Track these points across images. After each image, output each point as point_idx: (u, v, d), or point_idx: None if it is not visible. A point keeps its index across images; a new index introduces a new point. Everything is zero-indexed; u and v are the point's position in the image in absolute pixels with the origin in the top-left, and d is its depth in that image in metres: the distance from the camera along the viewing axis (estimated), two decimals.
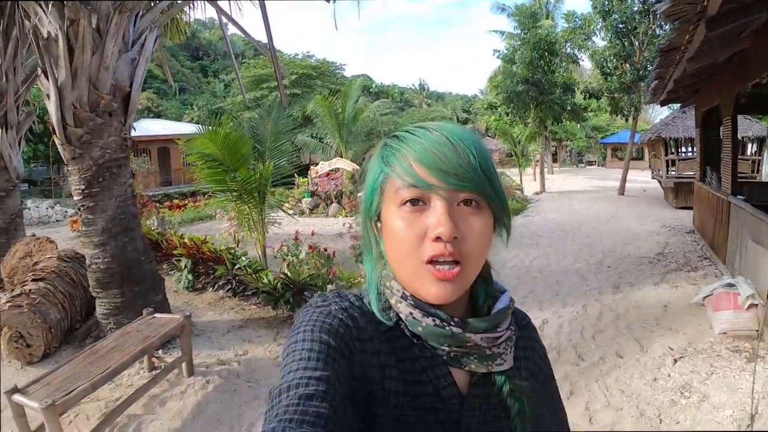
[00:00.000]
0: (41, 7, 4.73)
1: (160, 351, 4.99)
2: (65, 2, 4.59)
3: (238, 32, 6.91)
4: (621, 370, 4.49)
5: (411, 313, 0.75)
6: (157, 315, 4.86)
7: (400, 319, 0.78)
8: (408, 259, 0.73)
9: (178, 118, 34.43)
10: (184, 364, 4.62)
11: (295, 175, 13.71)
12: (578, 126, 32.73)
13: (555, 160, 38.26)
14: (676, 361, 4.54)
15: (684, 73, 6.23)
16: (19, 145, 8.51)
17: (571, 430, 0.96)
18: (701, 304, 5.72)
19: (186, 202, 19.64)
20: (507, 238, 0.80)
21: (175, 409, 4.09)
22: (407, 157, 0.73)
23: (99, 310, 5.40)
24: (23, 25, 5.98)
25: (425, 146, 0.72)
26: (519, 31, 20.96)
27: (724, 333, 4.94)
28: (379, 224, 0.80)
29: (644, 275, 7.52)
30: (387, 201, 0.76)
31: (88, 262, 5.32)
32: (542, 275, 7.89)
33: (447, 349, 0.76)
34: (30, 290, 5.21)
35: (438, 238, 0.69)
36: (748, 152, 17.39)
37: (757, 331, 4.80)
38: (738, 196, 6.92)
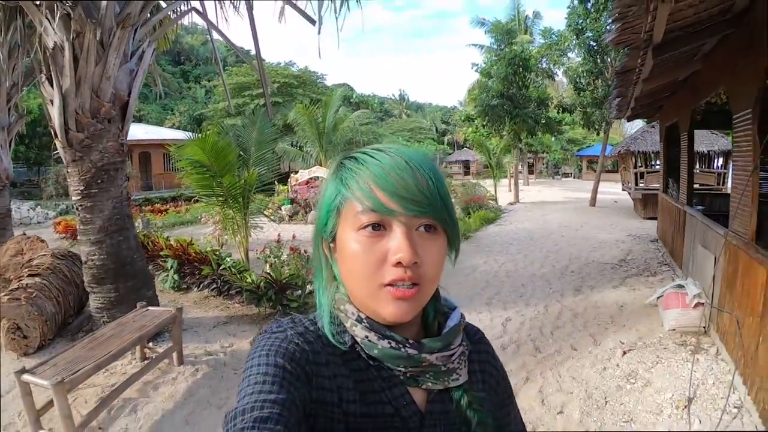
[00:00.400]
0: (47, 19, 5.03)
1: (150, 343, 5.27)
2: (71, 15, 4.89)
3: (222, 39, 7.21)
4: (574, 361, 4.88)
5: (366, 336, 0.76)
6: (150, 308, 5.17)
7: (356, 341, 0.78)
8: (367, 282, 0.73)
9: (159, 123, 34.48)
10: (174, 354, 4.92)
11: (276, 183, 13.89)
12: (553, 139, 33.23)
13: (531, 172, 38.77)
14: (625, 353, 4.92)
15: (643, 92, 6.61)
16: (9, 146, 8.68)
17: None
18: (654, 304, 6.11)
19: (167, 206, 19.60)
20: (455, 258, 0.82)
21: (168, 393, 4.40)
22: (367, 180, 0.73)
23: (93, 304, 5.65)
24: (24, 32, 6.25)
25: (385, 170, 0.73)
26: (496, 47, 21.42)
27: (673, 329, 5.31)
28: (332, 245, 0.80)
29: (605, 279, 7.90)
30: (344, 223, 0.76)
31: (84, 258, 5.57)
32: (509, 279, 8.24)
33: (403, 369, 0.77)
34: (27, 285, 5.45)
35: (398, 263, 0.70)
36: (715, 165, 17.93)
37: (703, 327, 5.21)
38: (698, 207, 7.35)
